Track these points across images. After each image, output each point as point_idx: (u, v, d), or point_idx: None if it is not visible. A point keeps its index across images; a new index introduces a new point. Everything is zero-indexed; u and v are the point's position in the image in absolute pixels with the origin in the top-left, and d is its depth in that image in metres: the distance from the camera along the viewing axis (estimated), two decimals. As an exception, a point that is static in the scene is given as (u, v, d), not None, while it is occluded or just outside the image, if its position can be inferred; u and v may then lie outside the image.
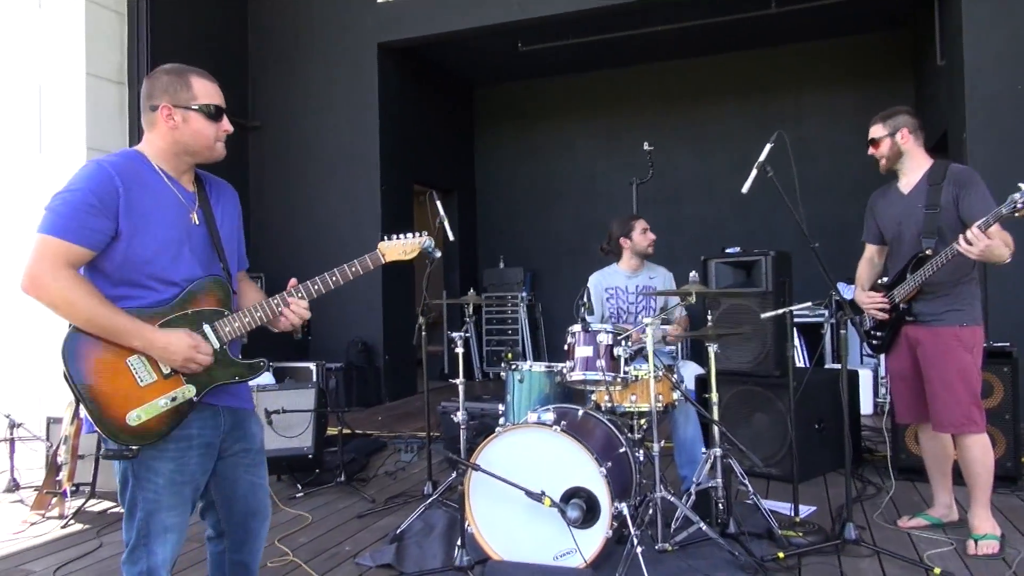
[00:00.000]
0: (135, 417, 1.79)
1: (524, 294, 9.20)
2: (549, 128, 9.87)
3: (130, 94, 6.74)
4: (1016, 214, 2.68)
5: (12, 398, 6.25)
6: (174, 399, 1.84)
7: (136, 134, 6.71)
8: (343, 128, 7.84)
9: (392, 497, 4.05)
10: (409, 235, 2.12)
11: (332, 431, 5.61)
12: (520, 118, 10.07)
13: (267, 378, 4.46)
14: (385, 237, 2.12)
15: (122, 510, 1.90)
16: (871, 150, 3.23)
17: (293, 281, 2.03)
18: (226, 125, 1.95)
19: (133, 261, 1.82)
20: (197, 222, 1.94)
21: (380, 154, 7.68)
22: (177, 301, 1.88)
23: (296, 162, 8.01)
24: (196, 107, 1.89)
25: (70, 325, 1.79)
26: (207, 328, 1.90)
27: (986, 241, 2.77)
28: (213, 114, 1.91)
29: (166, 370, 1.84)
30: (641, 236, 4.06)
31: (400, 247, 2.11)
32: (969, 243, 2.78)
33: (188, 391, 1.86)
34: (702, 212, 8.86)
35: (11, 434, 4.23)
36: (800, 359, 6.80)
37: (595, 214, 9.12)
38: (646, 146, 5.50)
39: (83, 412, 3.99)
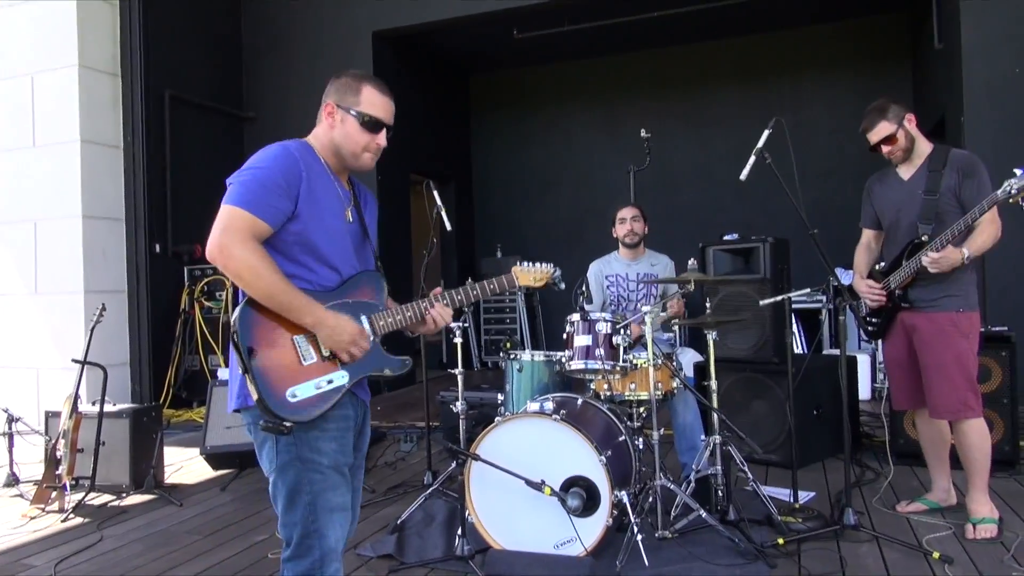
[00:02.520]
0: (292, 394, 1.80)
1: (522, 283, 9.17)
2: (546, 116, 9.83)
3: (123, 85, 6.70)
4: (1011, 200, 2.68)
5: (10, 392, 6.26)
6: (330, 382, 1.85)
7: (131, 125, 6.67)
8: (338, 118, 7.78)
9: (392, 487, 4.06)
10: (541, 264, 2.22)
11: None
12: (517, 106, 10.03)
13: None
14: (519, 262, 2.25)
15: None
16: (885, 148, 3.13)
17: (438, 289, 2.11)
18: (380, 139, 1.99)
19: (305, 243, 1.87)
20: (351, 220, 2.00)
21: (376, 144, 7.63)
22: (339, 289, 1.92)
23: (292, 152, 7.96)
24: (355, 113, 1.95)
25: (243, 298, 1.82)
26: (363, 318, 1.94)
27: (943, 258, 2.90)
28: (369, 124, 1.96)
29: (326, 352, 1.86)
30: (619, 226, 4.08)
31: (532, 273, 2.19)
32: (933, 260, 2.90)
33: (342, 377, 1.88)
34: (701, 198, 8.84)
35: (9, 428, 4.23)
36: (798, 345, 6.81)
37: (593, 202, 9.09)
38: (643, 133, 5.47)
39: (81, 406, 3.99)
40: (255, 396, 1.77)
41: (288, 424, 1.77)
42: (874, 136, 3.14)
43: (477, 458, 2.87)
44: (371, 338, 1.93)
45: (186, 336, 6.90)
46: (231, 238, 1.76)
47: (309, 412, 1.81)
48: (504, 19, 7.63)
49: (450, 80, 9.83)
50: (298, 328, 1.84)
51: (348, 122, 1.95)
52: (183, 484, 4.34)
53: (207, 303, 6.92)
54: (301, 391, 1.81)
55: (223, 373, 4.39)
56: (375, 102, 1.97)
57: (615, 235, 4.12)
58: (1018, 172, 2.67)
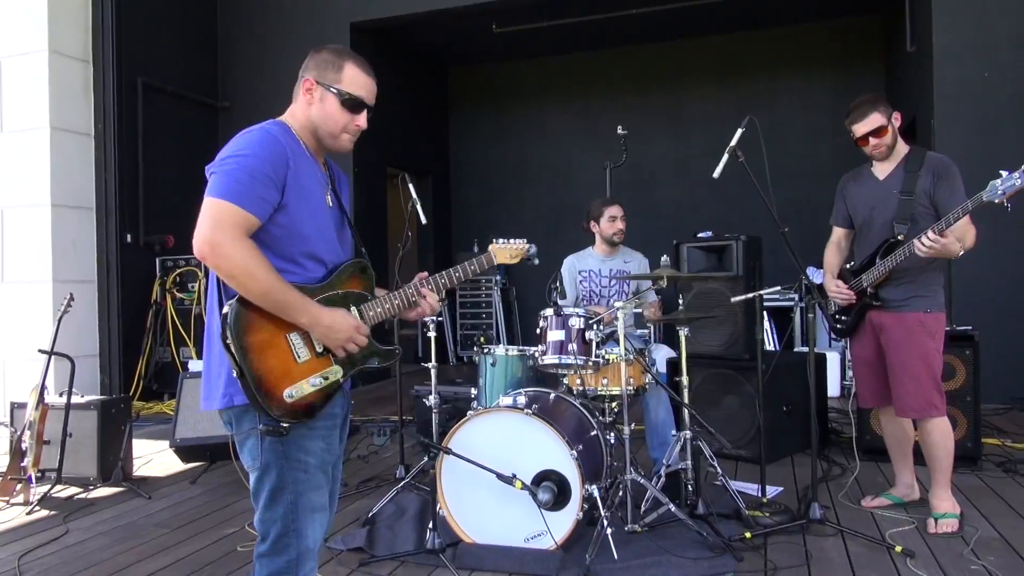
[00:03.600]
0: (289, 394, 1.73)
1: (498, 278, 9.19)
2: (524, 111, 9.83)
3: (95, 72, 6.58)
4: (996, 201, 2.72)
5: (-25, 383, 6.14)
6: (325, 378, 1.79)
7: (102, 112, 6.56)
8: (315, 109, 7.72)
9: (364, 481, 4.04)
10: (516, 240, 2.20)
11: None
12: (495, 100, 10.02)
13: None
14: (495, 240, 2.23)
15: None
16: (873, 141, 3.12)
17: (423, 274, 2.03)
18: (361, 121, 1.90)
19: (292, 235, 1.78)
20: (331, 204, 1.90)
21: (353, 136, 7.58)
22: (328, 281, 1.84)
23: (267, 143, 7.88)
24: (335, 90, 1.86)
25: (233, 296, 1.71)
26: (354, 310, 1.87)
27: (942, 242, 2.85)
28: (350, 104, 1.87)
29: (319, 348, 1.79)
30: (608, 223, 4.06)
31: (508, 250, 2.18)
32: (926, 246, 2.86)
33: (336, 372, 1.81)
34: (677, 196, 8.90)
35: (-26, 420, 4.15)
36: (770, 342, 6.90)
37: (570, 198, 9.12)
38: (620, 130, 5.50)
39: (48, 397, 3.93)
40: (249, 399, 1.70)
41: (285, 425, 1.72)
42: (864, 127, 3.11)
43: (449, 452, 2.87)
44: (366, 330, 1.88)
45: (157, 327, 6.82)
46: (223, 236, 1.65)
47: (307, 412, 1.76)
48: (483, 13, 7.62)
49: (429, 73, 9.79)
50: (291, 325, 1.76)
51: (328, 100, 1.86)
52: (152, 477, 4.29)
53: (179, 294, 6.84)
54: (298, 390, 1.75)
55: (194, 365, 4.35)
56: (358, 81, 1.89)
57: (598, 231, 4.10)
58: (1004, 174, 2.71)
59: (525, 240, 2.21)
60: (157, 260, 6.97)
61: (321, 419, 1.81)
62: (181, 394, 4.23)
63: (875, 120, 3.10)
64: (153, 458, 4.71)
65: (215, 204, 1.68)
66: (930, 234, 2.85)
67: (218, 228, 1.66)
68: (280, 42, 7.86)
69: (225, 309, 1.70)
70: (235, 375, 1.70)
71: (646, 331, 4.36)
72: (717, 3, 7.41)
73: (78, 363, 4.21)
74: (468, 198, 10.07)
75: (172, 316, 6.77)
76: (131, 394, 6.54)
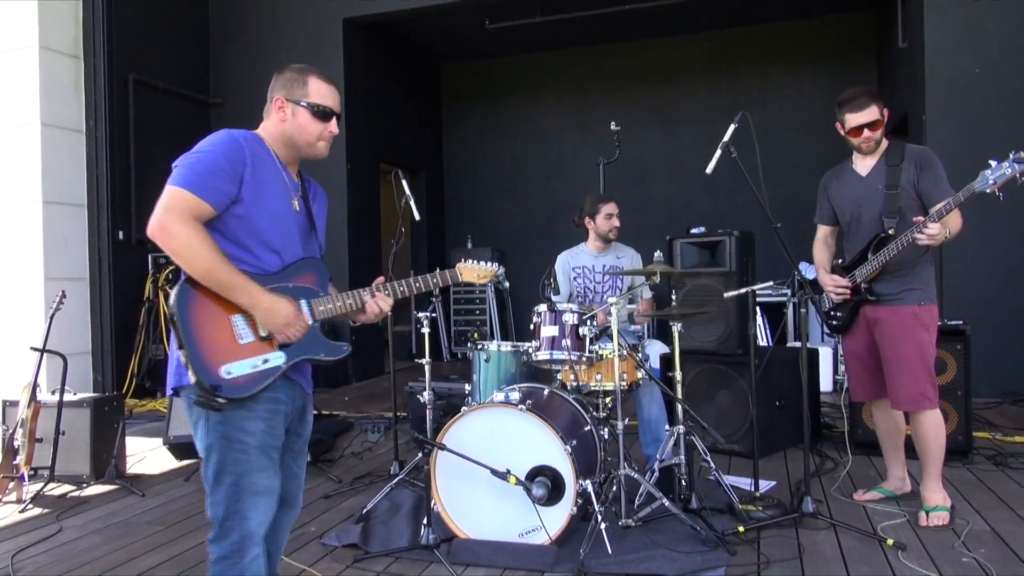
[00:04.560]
0: (227, 371, 1.84)
1: (492, 274, 9.17)
2: (517, 107, 9.82)
3: (85, 68, 6.54)
4: (988, 191, 2.73)
5: (-34, 381, 6.11)
6: (265, 361, 1.90)
7: (93, 108, 6.53)
8: (308, 105, 7.70)
9: (358, 477, 4.04)
10: (484, 263, 2.34)
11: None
12: (488, 96, 10.00)
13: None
14: (463, 259, 2.36)
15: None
16: (867, 133, 3.10)
17: (381, 279, 2.16)
18: (332, 127, 2.04)
19: (248, 227, 1.91)
20: (298, 209, 2.04)
21: (346, 131, 7.57)
22: (281, 273, 1.97)
23: (260, 140, 7.86)
24: (305, 104, 2.00)
25: (183, 276, 1.86)
26: (303, 303, 1.98)
27: (944, 232, 2.86)
28: (320, 113, 2.01)
29: (263, 332, 1.91)
30: (604, 220, 4.05)
31: (476, 271, 2.32)
32: (930, 235, 2.85)
33: (278, 358, 1.92)
34: (670, 192, 8.91)
35: (-35, 418, 4.13)
36: (763, 338, 6.92)
37: (563, 194, 9.12)
38: (613, 126, 5.50)
39: (40, 395, 3.91)
40: (191, 374, 1.81)
41: (221, 400, 1.81)
42: (862, 117, 3.09)
43: (443, 447, 2.88)
44: (310, 322, 1.98)
45: (150, 325, 6.80)
46: (171, 217, 1.80)
47: (244, 390, 1.86)
48: (476, 9, 7.61)
49: (422, 69, 9.76)
50: (236, 308, 1.88)
51: (300, 114, 2.01)
52: (146, 474, 4.28)
53: (171, 291, 6.80)
54: (236, 368, 1.86)
55: (187, 362, 4.32)
56: (322, 92, 2.03)
57: (593, 228, 4.09)
58: (993, 164, 2.71)
59: (497, 263, 2.36)
60: (149, 257, 6.94)
61: (261, 402, 1.90)
62: (174, 391, 4.21)
63: (873, 112, 3.10)
64: (147, 456, 4.70)
65: (169, 190, 1.84)
66: (931, 225, 2.85)
67: (168, 211, 1.81)
68: (273, 37, 7.83)
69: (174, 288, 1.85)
70: (177, 347, 1.83)
71: (639, 327, 4.37)
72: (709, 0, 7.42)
73: (71, 361, 4.20)
74: (461, 194, 10.05)
75: (164, 313, 6.73)
76: (124, 392, 6.53)
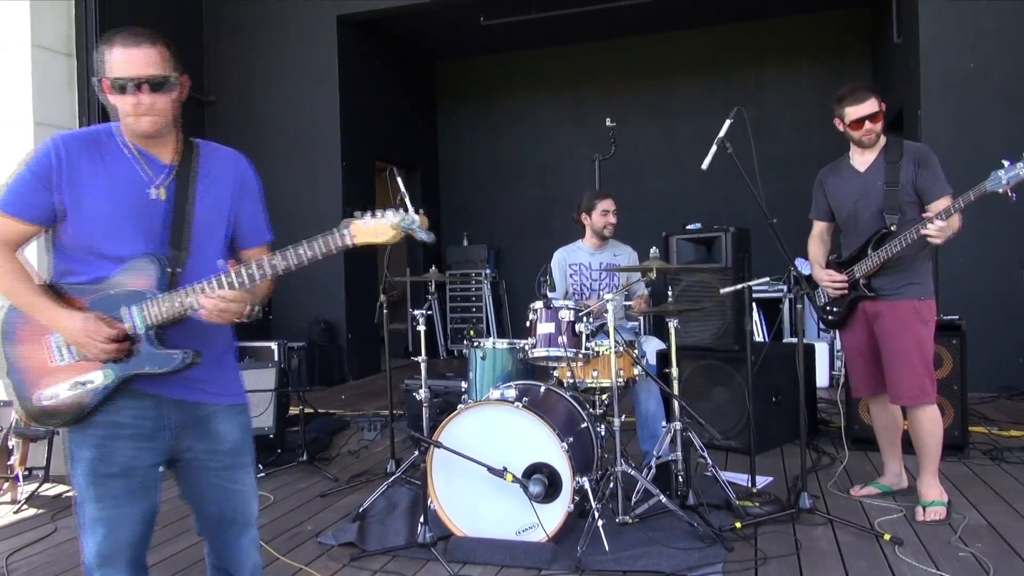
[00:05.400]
0: (44, 396, 1.74)
1: (488, 271, 9.19)
2: (513, 103, 9.80)
3: (79, 66, 6.51)
4: (1000, 191, 2.73)
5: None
6: (84, 383, 1.74)
7: (86, 107, 6.50)
8: (302, 102, 7.69)
9: (355, 476, 4.04)
10: (386, 213, 1.73)
11: (294, 410, 5.58)
12: (484, 93, 9.98)
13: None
14: (357, 214, 1.75)
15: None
16: (868, 125, 3.10)
17: (232, 262, 1.85)
18: (143, 99, 1.72)
19: (77, 235, 1.76)
20: (160, 197, 1.80)
21: (340, 129, 7.56)
22: (106, 280, 1.76)
23: (254, 138, 7.81)
24: (109, 80, 1.74)
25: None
26: (124, 310, 1.75)
27: (953, 228, 2.88)
28: (120, 87, 1.73)
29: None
30: (600, 217, 4.04)
31: (374, 228, 1.73)
32: (937, 232, 2.86)
33: (104, 376, 1.75)
34: (666, 188, 8.91)
35: (-41, 418, 4.11)
36: (759, 333, 6.93)
37: (559, 191, 9.11)
38: (608, 122, 5.49)
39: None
40: (13, 400, 1.75)
41: (42, 430, 1.73)
42: (863, 109, 3.09)
43: (439, 445, 2.87)
44: (137, 330, 1.75)
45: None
46: None
47: (70, 414, 1.75)
48: (471, 5, 7.59)
49: (417, 66, 9.74)
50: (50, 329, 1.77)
51: (108, 91, 1.76)
52: (141, 474, 4.26)
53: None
54: (54, 392, 1.74)
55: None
56: (119, 60, 1.74)
57: (589, 224, 4.09)
58: (1006, 164, 2.72)
59: (397, 211, 1.72)
60: (144, 256, 6.91)
61: (95, 426, 1.76)
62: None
63: (873, 104, 3.10)
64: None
65: None
66: (938, 221, 2.85)
67: None
68: (267, 35, 7.80)
69: None
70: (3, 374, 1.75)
71: (636, 323, 4.37)
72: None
73: None
74: (457, 192, 10.03)
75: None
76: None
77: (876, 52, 8.15)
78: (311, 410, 5.51)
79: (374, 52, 8.41)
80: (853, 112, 3.12)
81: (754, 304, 7.05)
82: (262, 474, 4.08)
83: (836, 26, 8.47)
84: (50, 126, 6.25)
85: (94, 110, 6.50)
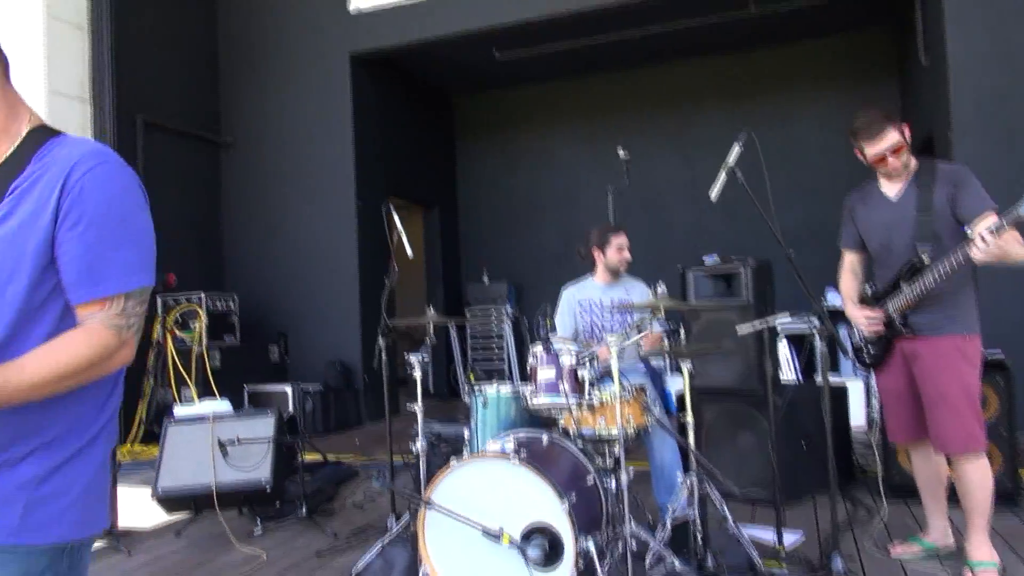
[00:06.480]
0: None
1: (508, 308, 8.98)
2: (530, 137, 9.68)
3: (94, 110, 6.54)
4: None
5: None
6: None
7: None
8: (317, 141, 7.65)
9: (356, 531, 3.81)
10: None
11: (312, 457, 5.38)
12: (501, 128, 9.89)
13: (225, 406, 4.22)
14: None
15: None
16: (892, 160, 2.85)
17: None
18: None
19: None
20: None
21: (355, 167, 7.49)
22: None
23: (269, 177, 7.81)
24: None
25: None
26: None
27: (999, 243, 2.52)
28: None
29: None
30: (615, 253, 3.81)
31: None
32: (981, 245, 2.52)
33: None
34: (688, 218, 8.66)
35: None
36: (791, 371, 6.59)
37: (579, 224, 8.89)
38: (621, 153, 5.30)
39: None
40: None
41: None
42: (882, 144, 2.84)
43: (430, 505, 2.65)
44: None
45: (158, 368, 6.68)
46: None
47: None
48: (483, 40, 7.52)
49: (433, 102, 9.69)
50: None
51: None
52: (136, 529, 4.08)
53: (179, 333, 6.71)
54: None
55: (179, 410, 4.16)
56: None
57: (602, 260, 3.86)
58: None
59: None
60: (158, 298, 6.86)
61: None
62: (165, 440, 4.03)
63: (892, 136, 2.84)
64: (144, 506, 4.51)
65: None
66: (986, 234, 2.50)
67: None
68: (282, 76, 7.83)
69: None
70: None
71: (657, 363, 4.11)
72: (722, 23, 7.24)
73: None
74: (476, 229, 9.89)
75: (172, 356, 6.62)
76: (132, 438, 6.40)
77: (903, 74, 7.88)
78: (321, 457, 5.32)
79: (388, 89, 8.37)
80: (872, 149, 2.87)
81: (784, 340, 6.73)
82: (259, 529, 3.88)
83: (861, 48, 8.23)
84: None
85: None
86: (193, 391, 6.49)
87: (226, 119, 8.02)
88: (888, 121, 2.85)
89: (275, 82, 7.83)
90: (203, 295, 6.76)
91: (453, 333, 9.20)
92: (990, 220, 2.63)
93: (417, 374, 3.40)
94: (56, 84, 6.28)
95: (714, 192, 2.75)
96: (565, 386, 2.93)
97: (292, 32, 7.81)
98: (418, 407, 3.42)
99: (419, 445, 3.39)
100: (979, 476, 2.83)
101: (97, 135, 6.54)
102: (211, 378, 6.54)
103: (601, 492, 2.91)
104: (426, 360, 3.36)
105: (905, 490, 3.69)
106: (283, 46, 7.83)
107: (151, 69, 7.17)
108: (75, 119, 6.44)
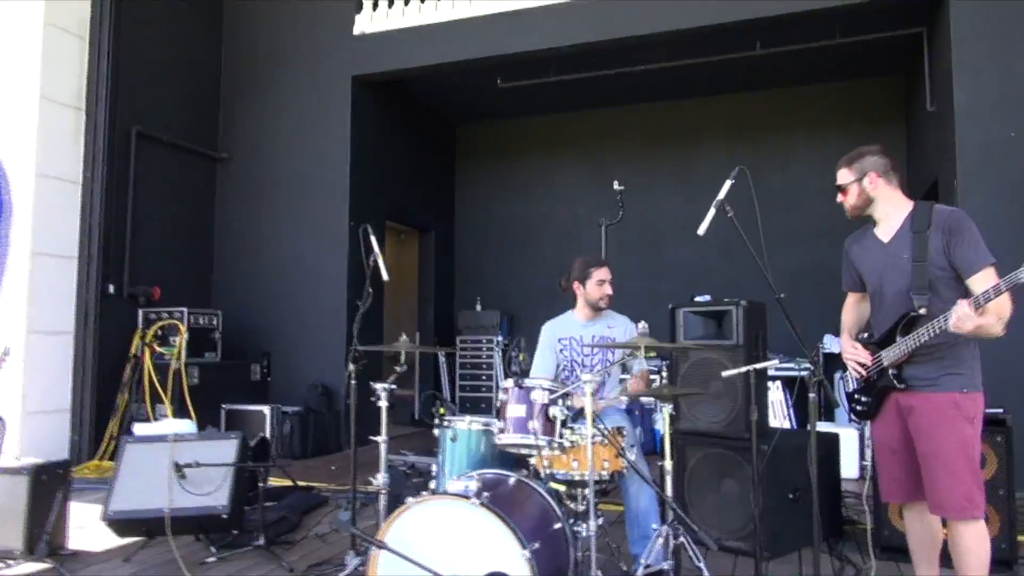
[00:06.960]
0: None
1: (500, 338, 8.81)
2: (531, 168, 9.59)
3: (87, 120, 6.46)
4: None
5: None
6: None
7: (91, 161, 6.42)
8: (313, 161, 7.56)
9: (314, 565, 3.61)
10: None
11: (281, 483, 5.19)
12: (501, 157, 9.81)
13: (188, 427, 4.04)
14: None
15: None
16: (839, 197, 2.91)
17: None
18: None
19: None
20: None
21: (350, 189, 7.38)
22: None
23: (264, 195, 7.71)
24: None
25: None
26: None
27: (977, 321, 2.44)
28: None
29: None
30: (595, 287, 3.66)
31: None
32: (958, 323, 2.44)
33: None
34: (687, 257, 8.51)
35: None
36: (784, 416, 6.40)
37: (574, 257, 8.72)
38: (616, 185, 5.18)
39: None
40: None
41: None
42: (837, 178, 2.93)
43: (383, 546, 2.46)
44: None
45: (134, 383, 6.50)
46: None
47: None
48: (487, 68, 7.45)
49: (434, 127, 9.61)
50: None
51: None
52: (85, 551, 3.87)
53: (159, 348, 6.55)
54: None
55: (139, 428, 3.98)
56: None
57: (582, 294, 3.72)
58: None
59: None
60: (140, 312, 6.72)
61: None
62: (122, 460, 3.85)
63: (840, 176, 2.90)
64: (97, 527, 4.30)
65: None
66: (966, 308, 2.43)
67: None
68: (281, 94, 7.76)
69: None
70: None
71: (649, 401, 3.94)
72: (727, 62, 7.16)
73: (48, 420, 3.88)
74: (472, 256, 9.76)
75: (150, 371, 6.45)
76: (102, 453, 6.20)
77: (910, 120, 7.79)
78: (290, 482, 5.13)
79: (389, 113, 8.30)
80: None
81: (778, 384, 6.54)
82: (213, 559, 3.68)
83: (868, 94, 8.16)
84: (52, 178, 6.16)
85: (98, 164, 6.43)
86: (168, 408, 6.31)
87: (223, 135, 7.94)
88: (847, 161, 2.89)
89: (275, 101, 7.77)
90: (185, 310, 6.61)
91: (442, 360, 9.03)
92: (984, 277, 2.55)
93: (383, 404, 3.23)
94: (50, 91, 6.20)
95: (702, 227, 2.61)
96: (536, 425, 2.76)
97: (296, 52, 7.77)
98: (381, 439, 3.25)
99: (380, 478, 3.20)
100: (975, 542, 2.64)
101: (88, 144, 6.45)
102: (187, 395, 6.36)
103: (569, 539, 2.72)
104: (393, 389, 3.19)
105: (895, 550, 3.49)
106: (286, 66, 7.78)
107: (151, 83, 7.11)
108: (67, 126, 6.35)
